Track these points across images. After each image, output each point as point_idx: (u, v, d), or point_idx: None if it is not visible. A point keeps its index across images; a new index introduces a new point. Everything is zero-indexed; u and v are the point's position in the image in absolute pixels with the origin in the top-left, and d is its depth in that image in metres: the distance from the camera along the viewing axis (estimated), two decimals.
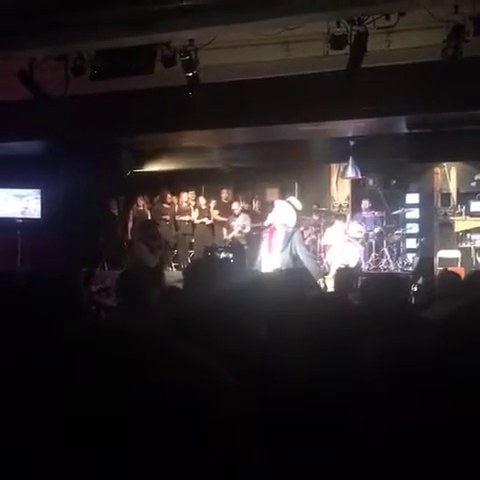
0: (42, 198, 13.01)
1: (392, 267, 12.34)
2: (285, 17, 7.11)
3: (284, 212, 10.14)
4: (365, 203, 13.08)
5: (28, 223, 12.76)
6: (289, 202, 10.58)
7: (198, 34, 8.01)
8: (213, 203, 13.95)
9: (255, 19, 7.10)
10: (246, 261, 11.30)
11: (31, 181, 12.78)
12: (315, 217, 13.44)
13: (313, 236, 13.22)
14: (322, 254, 12.78)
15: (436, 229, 12.38)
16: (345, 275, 6.11)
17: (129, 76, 8.80)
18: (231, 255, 11.11)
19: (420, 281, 8.78)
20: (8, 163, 12.12)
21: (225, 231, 13.44)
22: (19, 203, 13.04)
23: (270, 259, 9.87)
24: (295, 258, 9.69)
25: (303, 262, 9.61)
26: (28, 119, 10.50)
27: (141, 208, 13.63)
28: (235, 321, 1.96)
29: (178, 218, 13.88)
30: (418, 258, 11.76)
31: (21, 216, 12.91)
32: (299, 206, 10.56)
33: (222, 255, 11.07)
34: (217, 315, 1.98)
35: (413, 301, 7.44)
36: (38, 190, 13.04)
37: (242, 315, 2.06)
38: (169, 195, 14.00)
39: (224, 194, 13.92)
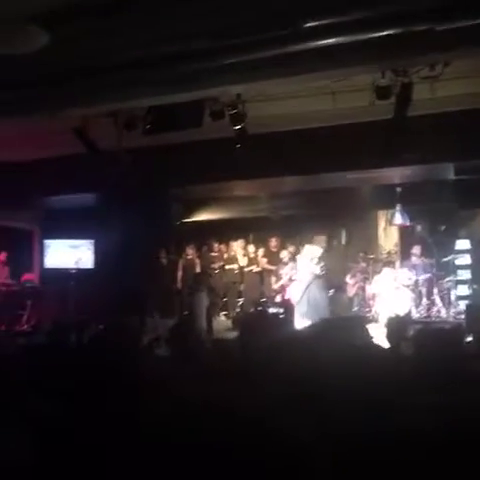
0: (95, 248, 13.36)
1: (444, 315, 12.08)
2: (332, 70, 7.25)
3: (303, 263, 10.55)
4: (415, 250, 12.93)
5: (81, 273, 13.06)
6: (307, 251, 11.09)
7: (245, 89, 8.22)
8: (261, 251, 13.97)
9: (301, 73, 7.25)
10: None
11: (84, 232, 13.13)
12: (363, 264, 13.35)
13: (361, 283, 13.12)
14: (371, 302, 12.64)
15: None
16: (396, 324, 6.05)
17: (179, 130, 9.08)
18: (281, 310, 10.98)
19: (474, 330, 8.59)
20: (63, 215, 12.55)
21: (274, 279, 13.42)
22: (73, 254, 13.35)
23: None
24: (316, 306, 10.10)
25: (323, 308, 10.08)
26: (83, 172, 10.90)
27: (190, 257, 13.74)
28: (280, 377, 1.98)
29: (227, 266, 13.95)
30: (471, 305, 11.51)
31: (74, 266, 13.21)
32: (318, 252, 10.98)
33: (271, 310, 10.96)
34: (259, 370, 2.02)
35: (467, 352, 7.28)
36: (91, 241, 13.39)
37: (287, 368, 2.08)
38: (217, 244, 14.14)
39: (272, 242, 13.92)
